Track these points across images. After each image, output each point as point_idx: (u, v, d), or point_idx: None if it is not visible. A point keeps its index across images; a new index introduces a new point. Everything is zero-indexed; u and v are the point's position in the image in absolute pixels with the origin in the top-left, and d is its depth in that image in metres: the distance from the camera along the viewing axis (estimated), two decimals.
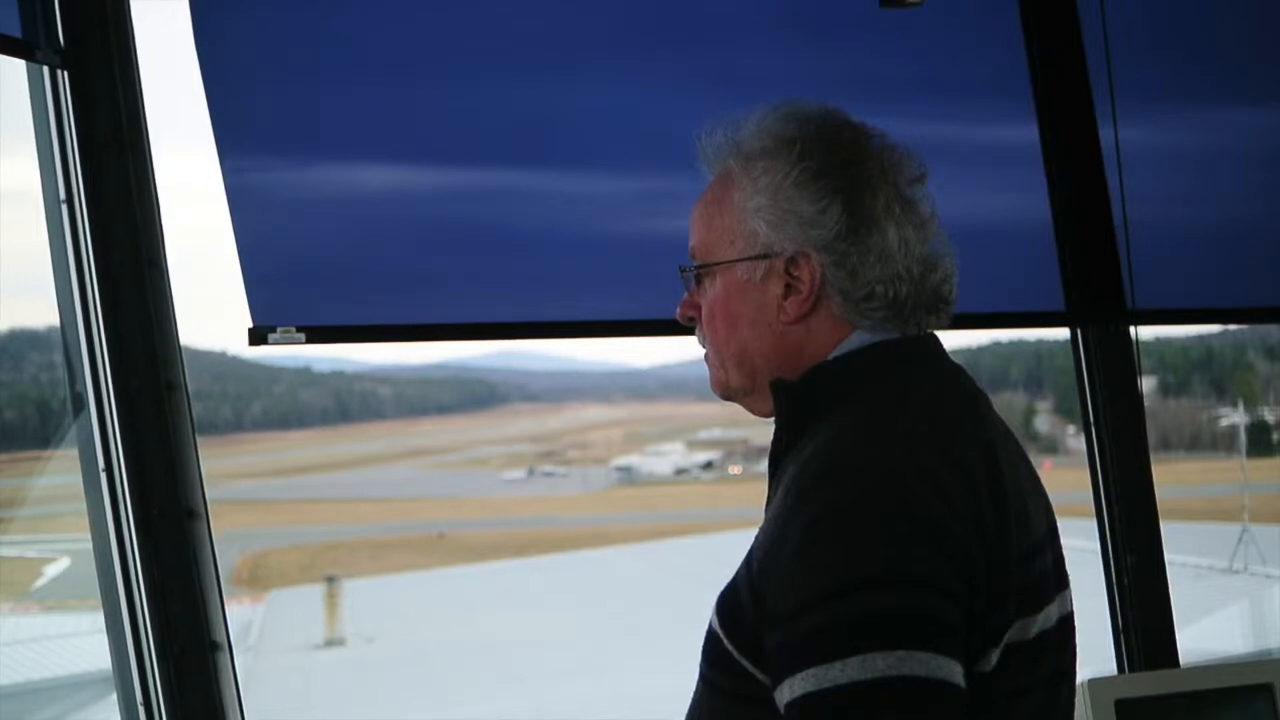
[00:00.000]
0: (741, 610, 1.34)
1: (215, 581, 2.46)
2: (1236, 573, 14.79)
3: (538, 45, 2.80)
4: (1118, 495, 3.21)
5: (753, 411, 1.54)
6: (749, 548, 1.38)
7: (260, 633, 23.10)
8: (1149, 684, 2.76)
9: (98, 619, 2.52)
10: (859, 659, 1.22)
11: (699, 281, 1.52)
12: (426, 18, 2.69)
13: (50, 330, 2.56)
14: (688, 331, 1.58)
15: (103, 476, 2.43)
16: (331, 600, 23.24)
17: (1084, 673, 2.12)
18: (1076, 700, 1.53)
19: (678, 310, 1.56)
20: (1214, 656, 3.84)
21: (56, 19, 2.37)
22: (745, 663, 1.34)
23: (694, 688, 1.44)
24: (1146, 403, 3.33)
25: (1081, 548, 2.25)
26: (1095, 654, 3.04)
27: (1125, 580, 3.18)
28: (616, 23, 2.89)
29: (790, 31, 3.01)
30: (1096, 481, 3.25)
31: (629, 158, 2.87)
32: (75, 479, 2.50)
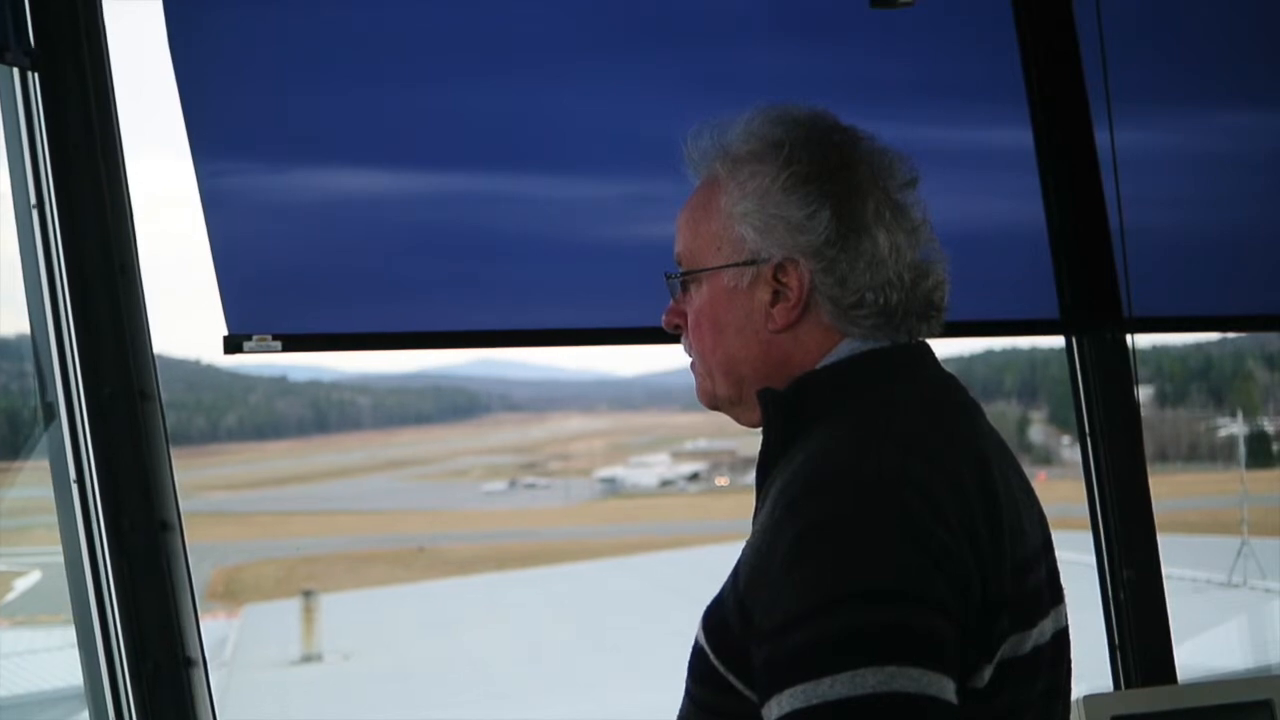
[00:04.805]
0: (728, 625, 1.32)
1: (189, 595, 2.43)
2: (1235, 587, 14.75)
3: (523, 46, 2.78)
4: (1114, 507, 3.20)
5: (740, 421, 1.51)
6: (736, 561, 1.35)
7: (235, 648, 22.97)
8: (1146, 700, 2.75)
9: (69, 634, 2.50)
10: (848, 675, 1.19)
11: (685, 288, 1.50)
12: (407, 19, 2.67)
13: (20, 338, 2.53)
14: (673, 340, 1.55)
15: (74, 488, 2.40)
16: (308, 615, 23.12)
17: (1079, 689, 2.11)
18: (1072, 717, 1.50)
19: (663, 318, 1.54)
20: (1212, 672, 3.84)
21: (27, 19, 2.33)
22: (732, 679, 1.32)
23: (680, 704, 1.42)
24: (1143, 412, 3.31)
25: (1077, 561, 2.23)
26: (1091, 670, 3.02)
27: (1122, 594, 3.16)
28: (604, 24, 2.87)
29: (782, 33, 3.01)
30: (1092, 493, 3.24)
31: (617, 162, 2.86)
32: (46, 490, 2.47)
